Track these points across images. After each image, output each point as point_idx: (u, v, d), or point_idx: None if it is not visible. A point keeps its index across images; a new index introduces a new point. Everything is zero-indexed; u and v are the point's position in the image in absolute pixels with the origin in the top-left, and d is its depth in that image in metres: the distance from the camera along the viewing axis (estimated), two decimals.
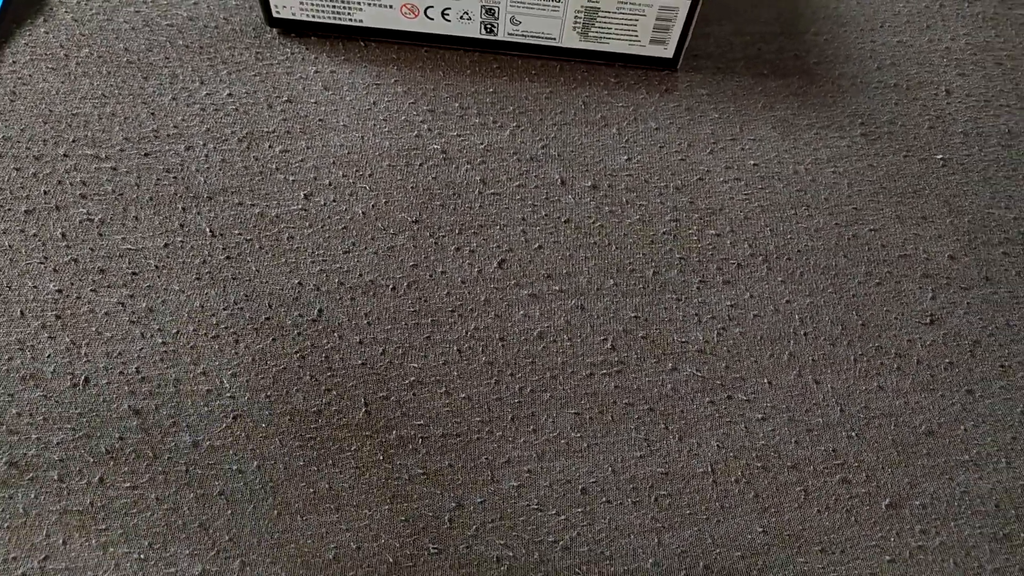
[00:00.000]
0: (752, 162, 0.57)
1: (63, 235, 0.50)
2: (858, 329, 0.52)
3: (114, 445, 0.45)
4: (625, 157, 0.57)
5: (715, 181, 0.56)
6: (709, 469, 0.47)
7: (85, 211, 0.51)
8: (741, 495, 0.46)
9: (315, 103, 0.57)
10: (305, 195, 0.53)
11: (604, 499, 0.46)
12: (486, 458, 0.47)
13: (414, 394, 0.48)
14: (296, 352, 0.48)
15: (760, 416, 0.49)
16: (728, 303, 0.52)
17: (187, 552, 0.43)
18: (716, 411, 0.49)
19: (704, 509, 0.46)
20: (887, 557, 0.45)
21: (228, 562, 0.43)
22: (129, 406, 0.46)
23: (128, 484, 0.45)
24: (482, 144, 0.56)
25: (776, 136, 0.58)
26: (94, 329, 0.48)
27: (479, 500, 0.46)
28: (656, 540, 0.45)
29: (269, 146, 0.54)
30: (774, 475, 0.47)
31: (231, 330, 0.49)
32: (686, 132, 0.58)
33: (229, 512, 0.44)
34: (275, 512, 0.44)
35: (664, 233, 0.54)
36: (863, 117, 0.60)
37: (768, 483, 0.47)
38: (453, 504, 0.45)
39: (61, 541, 0.43)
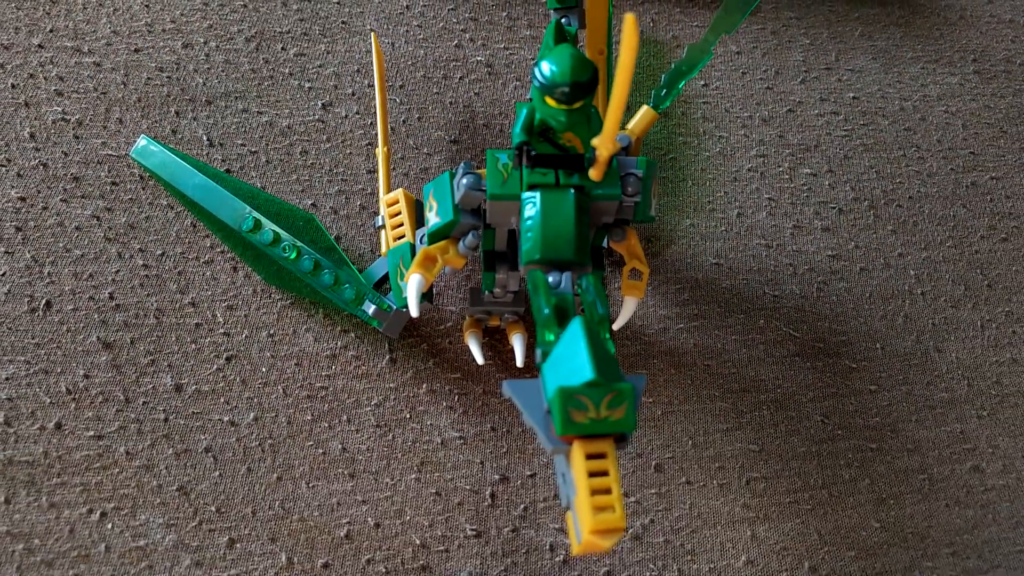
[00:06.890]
0: (851, 95, 0.48)
1: (31, 135, 0.42)
2: (983, 290, 0.43)
3: (77, 384, 0.37)
4: (702, 82, 0.48)
5: (808, 114, 0.47)
6: (812, 448, 0.38)
7: (60, 110, 0.43)
8: (852, 481, 0.38)
9: (337, 3, 0.48)
10: (323, 105, 0.44)
11: (683, 479, 0.37)
12: None
13: (450, 342, 0.39)
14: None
15: (872, 387, 0.40)
16: (828, 253, 0.43)
17: (161, 521, 0.35)
18: (818, 379, 0.40)
19: (808, 497, 0.37)
20: None
21: (213, 536, 0.34)
22: (98, 338, 0.38)
23: (92, 433, 0.36)
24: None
25: (877, 68, 0.50)
26: (61, 245, 0.39)
27: (528, 473, 0.37)
28: (749, 533, 0.36)
29: (282, 48, 0.46)
30: (891, 459, 0.38)
31: (228, 255, 0.40)
32: (772, 58, 0.49)
33: (217, 474, 0.36)
34: (275, 476, 0.36)
35: (749, 170, 0.45)
36: (975, 53, 0.51)
37: (884, 468, 0.38)
38: (496, 476, 0.37)
39: (3, 499, 0.34)
